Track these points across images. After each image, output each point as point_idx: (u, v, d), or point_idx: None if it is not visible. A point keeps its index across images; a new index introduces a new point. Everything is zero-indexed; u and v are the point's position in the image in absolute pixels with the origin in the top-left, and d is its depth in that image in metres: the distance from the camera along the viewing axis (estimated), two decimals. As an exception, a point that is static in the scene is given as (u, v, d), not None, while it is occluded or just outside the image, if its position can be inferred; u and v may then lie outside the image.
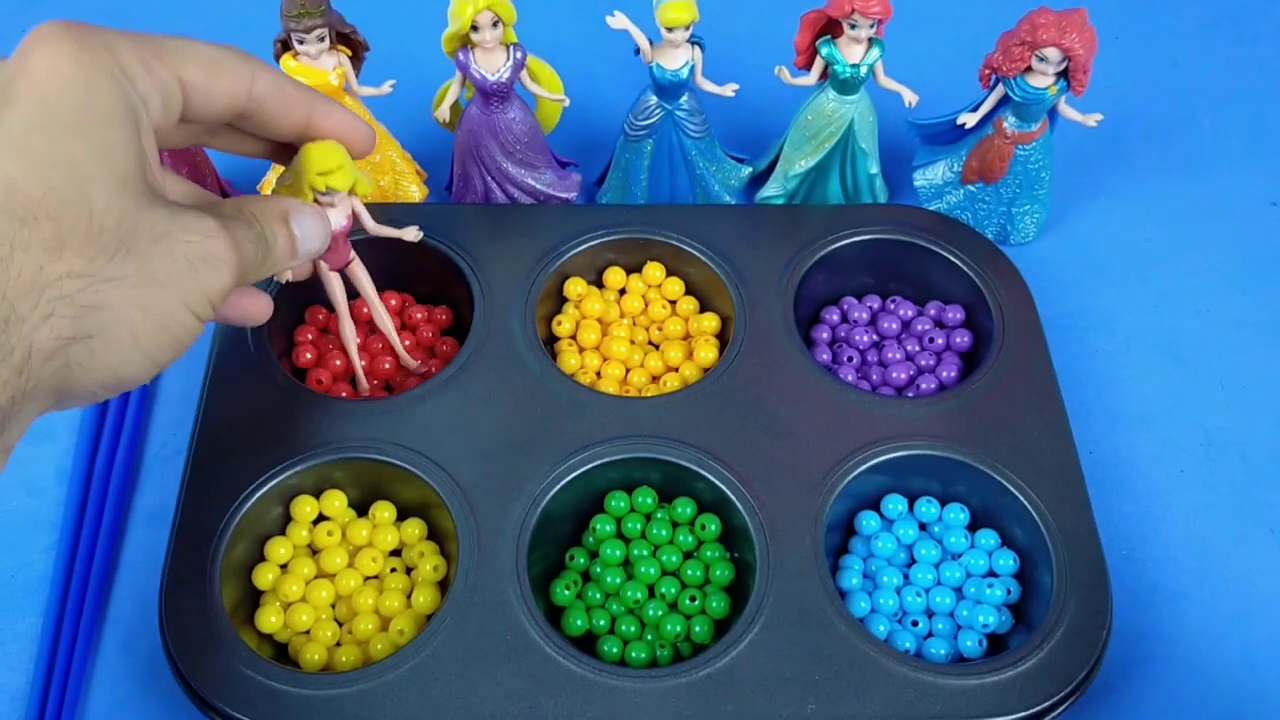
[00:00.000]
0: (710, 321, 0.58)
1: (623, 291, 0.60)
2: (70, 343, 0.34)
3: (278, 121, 0.43)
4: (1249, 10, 0.79)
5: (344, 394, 0.55)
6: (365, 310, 0.55)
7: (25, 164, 0.33)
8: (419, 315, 0.58)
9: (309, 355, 0.56)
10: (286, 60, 0.55)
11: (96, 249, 0.34)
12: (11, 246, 0.32)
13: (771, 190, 0.63)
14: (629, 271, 0.60)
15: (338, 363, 0.56)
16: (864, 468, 0.51)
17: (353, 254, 0.52)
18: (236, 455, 0.50)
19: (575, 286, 0.59)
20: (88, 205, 0.34)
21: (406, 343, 0.57)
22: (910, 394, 0.57)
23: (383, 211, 0.56)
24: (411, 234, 0.53)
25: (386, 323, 0.55)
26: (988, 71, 0.57)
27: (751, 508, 0.49)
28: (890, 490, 0.53)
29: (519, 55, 0.56)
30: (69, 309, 0.34)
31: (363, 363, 0.55)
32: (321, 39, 0.55)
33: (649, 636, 0.49)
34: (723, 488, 0.50)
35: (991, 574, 0.51)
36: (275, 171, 0.61)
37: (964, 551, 0.51)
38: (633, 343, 0.58)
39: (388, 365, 0.56)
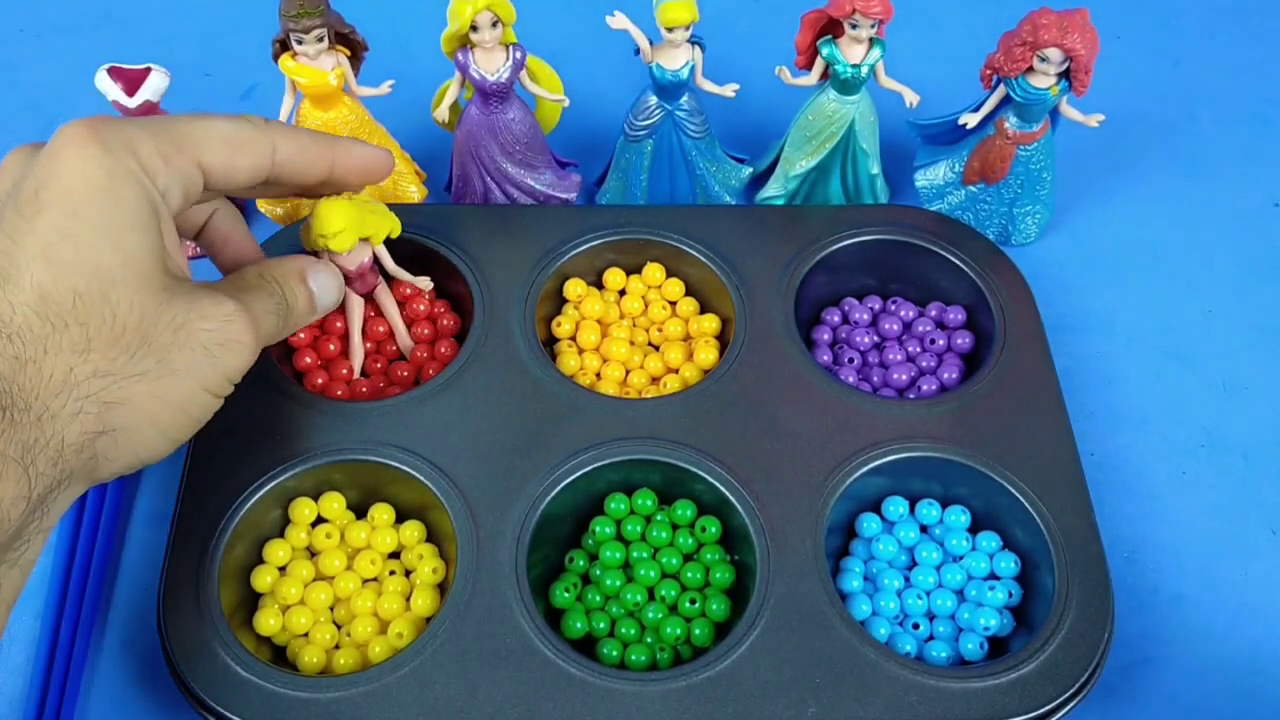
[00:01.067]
0: (710, 323, 0.58)
1: (622, 292, 0.60)
2: (97, 436, 0.37)
3: (303, 178, 0.45)
4: (1251, 10, 0.79)
5: (340, 393, 0.55)
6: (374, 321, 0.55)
7: (56, 273, 0.36)
8: (439, 309, 0.59)
9: (308, 359, 0.56)
10: (285, 60, 0.55)
11: (119, 348, 0.37)
12: (44, 349, 0.35)
13: (772, 190, 0.63)
14: (629, 272, 0.60)
15: (344, 371, 0.56)
16: (865, 470, 0.51)
17: (380, 280, 0.54)
18: (235, 457, 0.50)
19: (575, 287, 0.59)
20: (111, 308, 0.37)
21: (424, 354, 0.57)
22: (911, 395, 0.57)
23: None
24: (424, 283, 0.56)
25: (407, 343, 0.57)
26: (989, 72, 0.57)
27: (752, 510, 0.49)
28: (891, 492, 0.53)
29: (518, 55, 0.56)
30: (95, 406, 0.37)
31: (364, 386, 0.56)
32: (320, 39, 0.54)
33: (649, 639, 0.49)
34: (723, 490, 0.50)
35: (993, 576, 0.50)
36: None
37: (965, 554, 0.51)
38: (632, 344, 0.58)
39: (383, 385, 0.56)
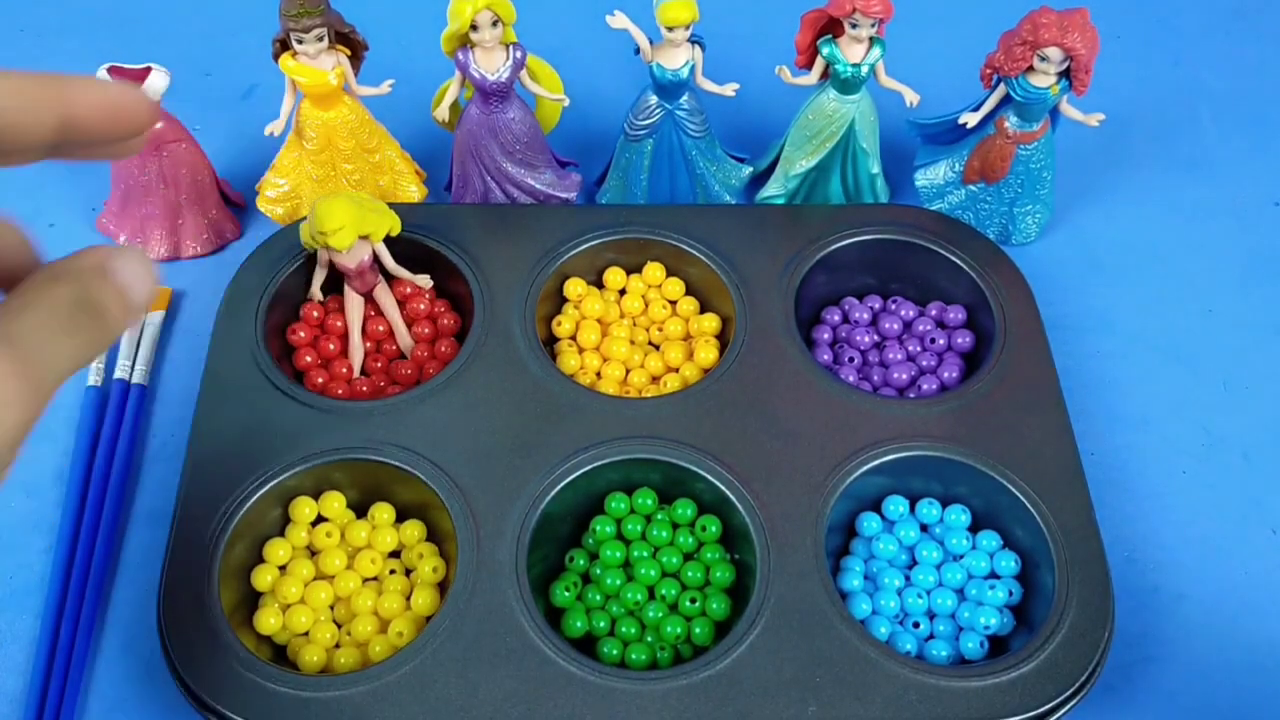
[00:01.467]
0: (710, 322, 0.58)
1: (623, 292, 0.60)
2: None
3: (23, 129, 0.33)
4: (1251, 9, 0.79)
5: (340, 392, 0.55)
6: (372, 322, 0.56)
7: None
8: (439, 308, 0.59)
9: (308, 358, 0.56)
10: (286, 60, 0.55)
11: None
12: None
13: (772, 190, 0.63)
14: (629, 272, 0.60)
15: (344, 370, 0.56)
16: (865, 469, 0.51)
17: (379, 279, 0.54)
18: (235, 456, 0.50)
19: (575, 287, 0.58)
20: None
21: (424, 353, 0.57)
22: (911, 395, 0.57)
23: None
24: (424, 281, 0.56)
25: (406, 342, 0.57)
26: (989, 71, 0.57)
27: (752, 509, 0.49)
28: (891, 491, 0.53)
29: (518, 55, 0.56)
30: None
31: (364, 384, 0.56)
32: (320, 38, 0.54)
33: (649, 638, 0.49)
34: (723, 489, 0.50)
35: (993, 575, 0.50)
36: (275, 172, 0.60)
37: (965, 553, 0.51)
38: (633, 343, 0.58)
39: (383, 384, 0.56)
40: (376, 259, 0.53)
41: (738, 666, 0.45)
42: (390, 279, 0.57)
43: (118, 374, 0.57)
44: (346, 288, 0.56)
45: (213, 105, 0.69)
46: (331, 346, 0.56)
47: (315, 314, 0.57)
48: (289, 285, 0.57)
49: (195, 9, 0.76)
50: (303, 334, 0.56)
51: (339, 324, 0.57)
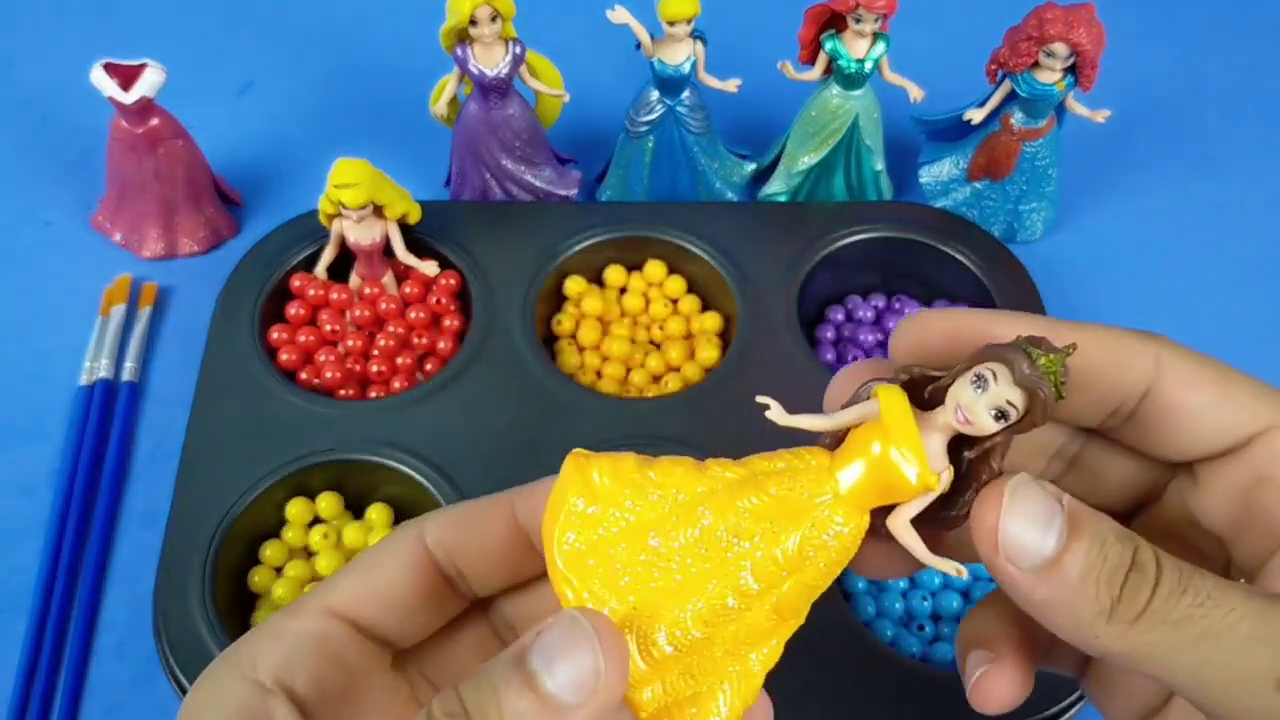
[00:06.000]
0: (712, 320, 0.57)
1: (623, 290, 0.59)
2: None
3: (482, 557, 0.29)
4: (1258, 4, 0.78)
5: (340, 390, 0.54)
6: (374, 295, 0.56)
7: None
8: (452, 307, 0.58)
9: (300, 357, 0.55)
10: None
11: None
12: None
13: (775, 187, 0.62)
14: (630, 269, 0.59)
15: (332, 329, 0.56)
16: (869, 469, 0.50)
17: (388, 271, 0.55)
18: (231, 456, 0.50)
19: (575, 285, 0.58)
20: None
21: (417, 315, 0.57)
22: (915, 394, 0.56)
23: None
24: (431, 268, 0.56)
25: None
26: (994, 67, 0.57)
27: (754, 510, 0.49)
28: (895, 492, 0.52)
29: (518, 50, 0.55)
30: None
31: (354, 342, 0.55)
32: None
33: (650, 641, 0.48)
34: (725, 490, 0.49)
35: (998, 577, 0.50)
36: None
37: (970, 554, 0.50)
38: (633, 342, 0.57)
39: (376, 369, 0.55)
40: (387, 248, 0.53)
41: (740, 670, 0.44)
42: (399, 280, 0.57)
43: (105, 373, 0.56)
44: (354, 279, 0.56)
45: (209, 102, 0.68)
46: (334, 327, 0.56)
47: (302, 312, 0.56)
48: (287, 284, 0.56)
49: (191, 4, 0.75)
50: (303, 338, 0.55)
51: (334, 297, 0.56)
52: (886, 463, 0.24)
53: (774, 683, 0.44)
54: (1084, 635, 0.23)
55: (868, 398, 0.25)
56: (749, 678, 0.26)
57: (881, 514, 0.25)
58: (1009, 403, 0.23)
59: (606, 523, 0.25)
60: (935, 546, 0.25)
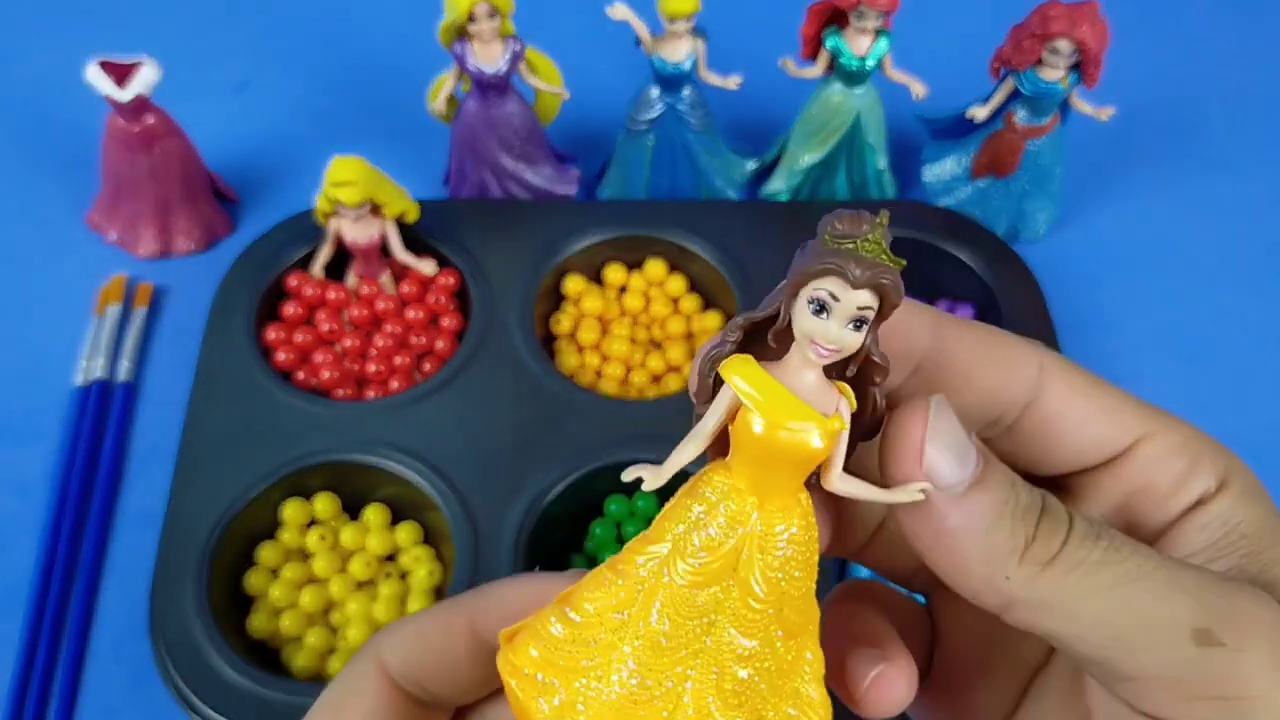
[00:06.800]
0: (713, 320, 0.57)
1: (623, 289, 0.59)
2: None
3: (446, 673, 0.26)
4: (1262, 2, 0.78)
5: (337, 390, 0.54)
6: (372, 296, 0.55)
7: None
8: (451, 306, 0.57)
9: (298, 358, 0.55)
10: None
11: None
12: None
13: (776, 185, 0.62)
14: (630, 268, 0.59)
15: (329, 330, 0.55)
16: (871, 470, 0.50)
17: (386, 271, 0.54)
18: (226, 457, 0.49)
19: (574, 284, 0.57)
20: None
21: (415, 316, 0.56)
22: (918, 394, 0.56)
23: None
24: (429, 267, 0.55)
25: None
26: (998, 64, 0.56)
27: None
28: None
29: (517, 47, 0.55)
30: None
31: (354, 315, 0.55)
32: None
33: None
34: (726, 491, 0.49)
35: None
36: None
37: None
38: (634, 341, 0.57)
39: (374, 369, 0.55)
40: (384, 247, 0.53)
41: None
42: (397, 279, 0.56)
43: (101, 373, 0.55)
44: (351, 276, 0.56)
45: (205, 100, 0.68)
46: (331, 327, 0.55)
47: (301, 311, 0.56)
48: (283, 283, 0.56)
49: (187, 1, 0.75)
50: (300, 338, 0.55)
51: (331, 296, 0.56)
52: (781, 444, 0.21)
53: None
54: (993, 577, 0.21)
55: (720, 383, 0.22)
56: (808, 704, 0.24)
57: (815, 477, 0.22)
58: (860, 309, 0.20)
59: (583, 698, 0.22)
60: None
